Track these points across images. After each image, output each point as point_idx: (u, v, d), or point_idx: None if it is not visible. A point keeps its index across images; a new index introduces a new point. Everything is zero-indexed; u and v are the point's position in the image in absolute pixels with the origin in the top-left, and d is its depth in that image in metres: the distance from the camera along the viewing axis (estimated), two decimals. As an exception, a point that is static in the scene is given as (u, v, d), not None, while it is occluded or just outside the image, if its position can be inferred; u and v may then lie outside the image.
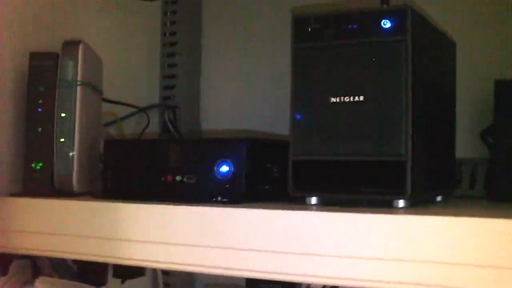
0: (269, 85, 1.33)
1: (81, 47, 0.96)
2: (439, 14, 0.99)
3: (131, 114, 1.24)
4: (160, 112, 1.35)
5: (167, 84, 1.37)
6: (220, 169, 0.86)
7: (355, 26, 0.80)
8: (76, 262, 1.06)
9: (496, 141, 0.97)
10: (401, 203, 0.77)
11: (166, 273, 1.36)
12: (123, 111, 1.22)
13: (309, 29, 0.82)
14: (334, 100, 0.80)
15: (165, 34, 1.38)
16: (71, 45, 0.96)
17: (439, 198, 0.92)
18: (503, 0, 1.14)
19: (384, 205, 0.77)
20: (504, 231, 0.63)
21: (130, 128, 1.25)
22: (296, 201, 0.83)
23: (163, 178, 0.89)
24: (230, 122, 1.36)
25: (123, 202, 0.85)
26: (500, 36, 1.14)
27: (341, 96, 0.80)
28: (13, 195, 0.95)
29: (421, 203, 0.82)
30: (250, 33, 1.37)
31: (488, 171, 1.02)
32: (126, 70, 1.27)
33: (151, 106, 1.30)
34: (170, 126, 1.30)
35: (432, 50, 0.87)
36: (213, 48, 1.41)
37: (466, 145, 1.04)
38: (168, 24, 1.38)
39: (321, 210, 0.74)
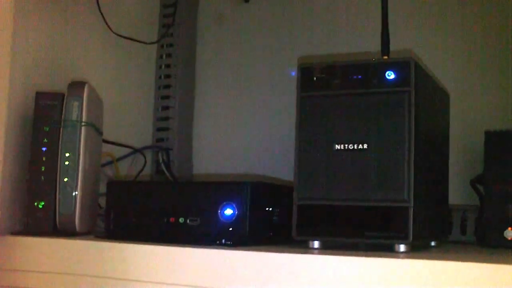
0: (263, 129, 1.36)
1: (86, 88, 0.98)
2: (434, 65, 1.04)
3: (127, 155, 1.25)
4: (153, 154, 1.36)
5: (160, 126, 1.39)
6: (224, 212, 0.87)
7: (360, 77, 0.84)
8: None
9: (486, 189, 1.01)
10: (402, 247, 0.80)
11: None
12: (117, 151, 1.23)
13: (315, 78, 0.86)
14: (338, 147, 0.83)
15: (160, 77, 1.40)
16: (76, 86, 0.98)
17: (433, 243, 0.95)
18: (495, 52, 1.19)
19: (384, 250, 0.80)
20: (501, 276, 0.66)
21: (123, 169, 1.26)
22: (298, 245, 0.85)
23: (166, 220, 0.90)
24: (223, 165, 1.38)
25: (126, 242, 0.86)
26: (490, 88, 1.19)
27: (345, 143, 0.83)
28: (14, 233, 0.95)
29: (418, 247, 0.84)
30: (244, 77, 1.40)
31: (477, 218, 1.06)
32: (121, 111, 1.28)
33: (145, 148, 1.32)
34: (163, 167, 1.31)
35: (431, 101, 0.91)
36: (206, 91, 1.43)
37: (457, 192, 1.08)
38: (163, 66, 1.40)
39: (324, 254, 0.76)
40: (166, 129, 1.38)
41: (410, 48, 1.12)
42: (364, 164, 0.82)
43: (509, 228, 0.96)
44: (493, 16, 1.21)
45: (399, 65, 0.82)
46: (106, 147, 1.15)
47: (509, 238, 0.96)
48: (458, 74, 1.21)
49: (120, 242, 0.87)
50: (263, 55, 1.39)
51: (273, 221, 0.93)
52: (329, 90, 0.85)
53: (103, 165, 1.16)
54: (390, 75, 0.82)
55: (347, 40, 1.30)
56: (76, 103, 0.97)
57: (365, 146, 0.82)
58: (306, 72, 0.87)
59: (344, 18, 1.31)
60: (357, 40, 1.27)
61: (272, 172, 1.26)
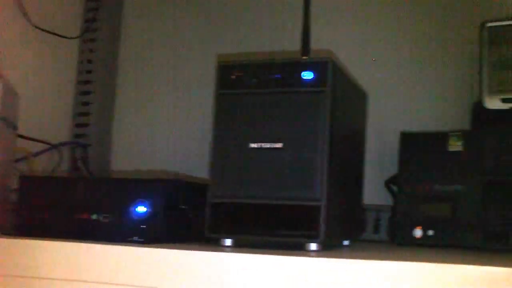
0: (183, 127, 1.35)
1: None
2: (353, 64, 1.06)
3: (43, 151, 1.22)
4: (71, 150, 1.33)
5: (80, 122, 1.36)
6: (137, 209, 0.86)
7: (277, 76, 0.84)
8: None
9: (399, 189, 1.03)
10: (313, 246, 0.80)
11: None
12: (33, 147, 1.20)
13: (233, 77, 0.86)
14: (254, 146, 0.83)
15: (81, 72, 1.37)
16: (-12, 79, 0.95)
17: (346, 242, 0.96)
18: (414, 54, 1.22)
19: (298, 248, 0.80)
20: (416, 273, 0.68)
21: (41, 165, 1.23)
22: (211, 243, 0.84)
23: (78, 216, 0.88)
24: (142, 162, 1.36)
25: (35, 239, 0.84)
26: (408, 89, 1.22)
27: (261, 142, 0.83)
28: None
29: (330, 246, 0.85)
30: (166, 74, 1.39)
31: (390, 218, 1.08)
32: (40, 106, 1.25)
33: (62, 143, 1.29)
34: (80, 164, 1.28)
35: (348, 101, 0.92)
36: (128, 88, 1.42)
37: (372, 192, 1.10)
38: (84, 62, 1.37)
39: (236, 252, 0.76)
40: (85, 125, 1.35)
41: (329, 49, 1.14)
42: (279, 163, 0.82)
43: (418, 227, 0.99)
44: (410, 17, 1.23)
45: (316, 65, 0.83)
46: (23, 143, 1.12)
47: (417, 237, 0.99)
48: (376, 74, 1.23)
49: (28, 239, 0.84)
50: (185, 53, 1.38)
51: (187, 219, 0.92)
52: (247, 88, 0.85)
53: (17, 160, 1.13)
54: (308, 75, 0.83)
55: (269, 39, 1.30)
56: (-12, 97, 0.94)
57: (281, 145, 0.82)
58: (224, 70, 0.87)
59: (266, 17, 1.32)
60: (279, 39, 1.28)
61: (191, 170, 1.26)
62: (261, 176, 0.83)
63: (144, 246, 0.79)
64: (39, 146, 1.22)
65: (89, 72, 1.37)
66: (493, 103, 1.02)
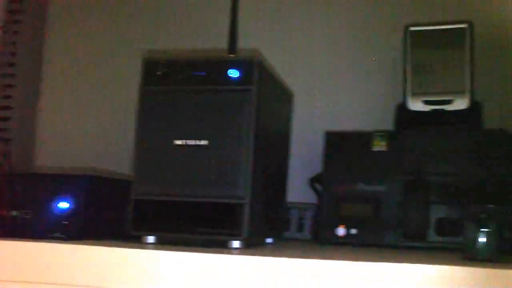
0: (108, 123, 1.33)
1: None
2: (279, 64, 1.06)
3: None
4: (-9, 144, 1.30)
5: (0, 116, 1.32)
6: (59, 205, 0.85)
7: (203, 73, 0.84)
8: None
9: (323, 188, 1.04)
10: (236, 243, 0.81)
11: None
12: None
13: (159, 73, 0.85)
14: (179, 143, 0.83)
15: (2, 65, 1.33)
16: None
17: (269, 240, 0.97)
18: (340, 53, 1.24)
19: (220, 246, 0.80)
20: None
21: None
22: (133, 240, 0.84)
23: (-2, 213, 0.86)
24: (66, 159, 1.34)
25: None
26: (334, 89, 1.23)
27: (186, 139, 0.83)
28: None
29: (253, 244, 0.86)
30: (92, 69, 1.37)
31: (314, 216, 1.09)
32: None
33: (-17, 137, 1.26)
34: (1, 159, 1.25)
35: (273, 100, 0.93)
36: (53, 82, 1.39)
37: (295, 190, 1.11)
38: (6, 54, 1.33)
39: (158, 249, 0.75)
40: (6, 119, 1.32)
41: (257, 48, 1.14)
42: (203, 160, 0.82)
43: (341, 226, 1.00)
44: (338, 17, 1.25)
45: (242, 64, 0.83)
46: None
47: (341, 236, 1.00)
48: (303, 74, 1.24)
49: None
50: (111, 48, 1.36)
51: (111, 215, 0.91)
52: (172, 85, 0.85)
53: None
54: (233, 73, 0.83)
55: (197, 36, 1.30)
56: None
57: (205, 142, 0.82)
58: (149, 66, 0.86)
59: (194, 14, 1.32)
60: (206, 37, 1.28)
61: (116, 166, 1.25)
62: (186, 173, 0.82)
63: (65, 243, 0.78)
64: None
65: (11, 65, 1.34)
66: (416, 105, 1.05)
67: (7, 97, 1.33)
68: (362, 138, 1.04)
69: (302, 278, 0.69)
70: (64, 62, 1.39)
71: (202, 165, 0.82)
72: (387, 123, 1.10)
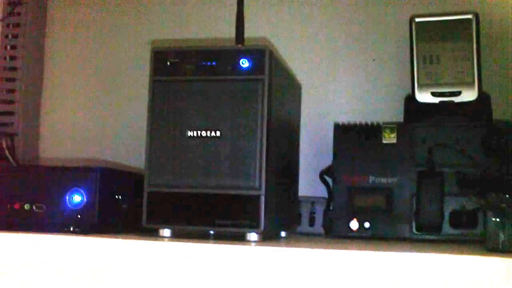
0: (115, 114, 1.32)
1: None
2: (287, 56, 1.05)
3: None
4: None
5: (5, 110, 1.31)
6: (72, 199, 0.84)
7: (214, 63, 0.82)
8: None
9: (334, 181, 1.03)
10: (253, 236, 0.79)
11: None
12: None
13: (169, 63, 0.84)
14: (191, 134, 0.82)
15: (5, 58, 1.32)
16: None
17: (283, 234, 0.96)
18: (347, 45, 1.22)
19: (236, 239, 0.79)
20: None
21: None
22: (148, 233, 0.82)
23: (10, 206, 0.85)
24: (73, 152, 1.32)
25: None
26: (341, 81, 1.22)
27: (198, 130, 0.82)
28: None
29: (269, 238, 0.84)
30: (96, 60, 1.35)
31: (325, 210, 1.08)
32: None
33: (-13, 133, 1.24)
34: (7, 153, 1.23)
35: (283, 91, 0.92)
36: (56, 74, 1.37)
37: (306, 184, 1.09)
38: (8, 47, 1.32)
39: (175, 241, 0.74)
40: (11, 113, 1.30)
41: (264, 37, 1.13)
42: (216, 151, 0.81)
43: (355, 219, 0.99)
44: (344, 9, 1.24)
45: (254, 53, 0.82)
46: None
47: (354, 229, 0.99)
48: (310, 65, 1.23)
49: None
50: (115, 38, 1.34)
51: (124, 208, 0.90)
52: (182, 75, 0.83)
53: None
54: (244, 63, 0.81)
55: (204, 26, 1.28)
56: None
57: (218, 133, 0.81)
58: (159, 56, 0.84)
59: (200, 3, 1.30)
60: (213, 26, 1.26)
61: (121, 159, 1.23)
62: (199, 165, 0.81)
63: (80, 236, 0.77)
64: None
65: (13, 58, 1.32)
66: (423, 97, 1.04)
67: (10, 91, 1.31)
68: (372, 130, 1.03)
69: (322, 269, 0.68)
70: (67, 53, 1.36)
71: (215, 156, 0.80)
72: (396, 115, 1.09)
